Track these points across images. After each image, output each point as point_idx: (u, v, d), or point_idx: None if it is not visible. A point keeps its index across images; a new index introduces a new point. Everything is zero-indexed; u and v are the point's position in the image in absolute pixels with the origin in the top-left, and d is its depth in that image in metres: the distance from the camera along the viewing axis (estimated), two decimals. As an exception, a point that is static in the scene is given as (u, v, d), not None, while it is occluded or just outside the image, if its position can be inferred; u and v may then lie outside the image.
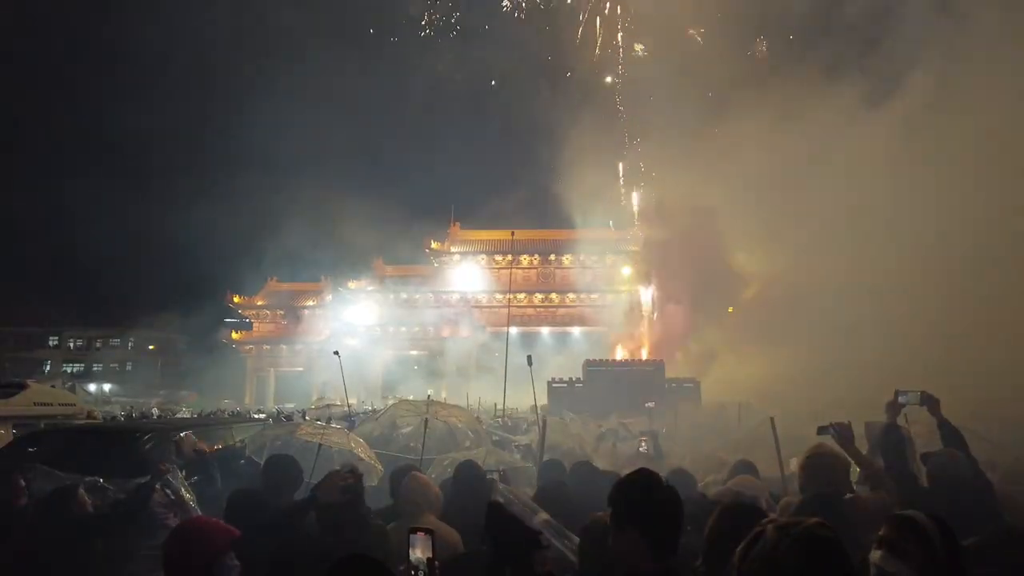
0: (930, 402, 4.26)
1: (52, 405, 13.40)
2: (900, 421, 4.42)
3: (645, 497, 2.14)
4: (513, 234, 39.52)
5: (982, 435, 5.54)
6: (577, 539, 2.91)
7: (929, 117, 19.31)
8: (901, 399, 4.32)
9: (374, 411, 13.80)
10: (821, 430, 3.87)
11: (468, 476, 4.16)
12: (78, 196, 78.36)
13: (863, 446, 4.02)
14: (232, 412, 25.11)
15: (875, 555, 2.01)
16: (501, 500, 3.56)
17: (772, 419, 5.97)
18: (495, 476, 4.78)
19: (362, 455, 4.77)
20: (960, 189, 17.74)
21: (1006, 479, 4.76)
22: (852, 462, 3.63)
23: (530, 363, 11.87)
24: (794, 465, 4.26)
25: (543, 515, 3.14)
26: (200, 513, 3.95)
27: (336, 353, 17.49)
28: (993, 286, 16.23)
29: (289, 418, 14.86)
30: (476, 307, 47.51)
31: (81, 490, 4.00)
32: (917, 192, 19.48)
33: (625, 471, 5.91)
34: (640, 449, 7.03)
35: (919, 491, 3.69)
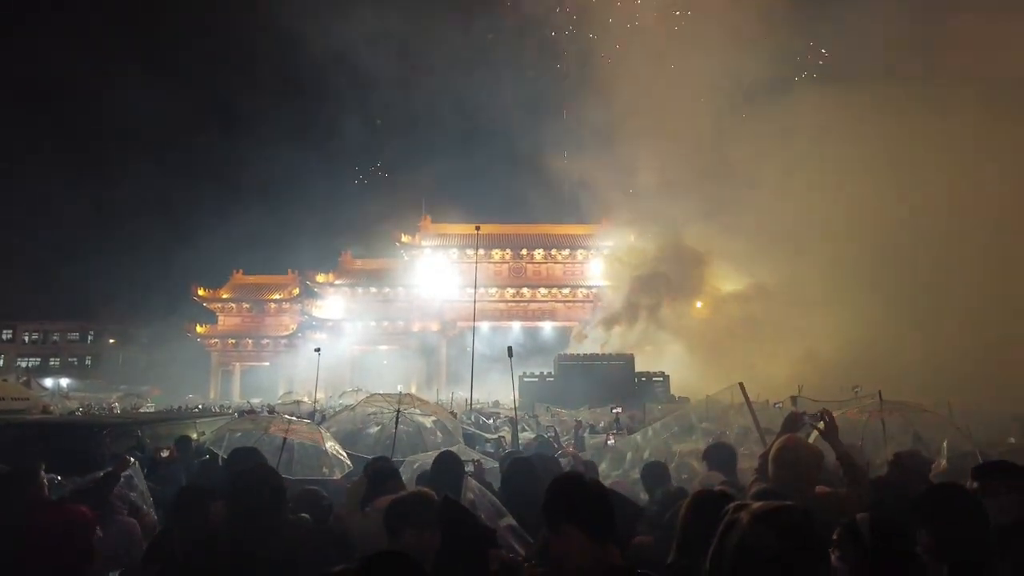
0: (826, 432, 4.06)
1: (3, 399, 13.13)
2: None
3: (578, 491, 2.17)
4: (478, 228, 39.14)
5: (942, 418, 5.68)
6: None
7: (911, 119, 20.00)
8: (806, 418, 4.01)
9: (346, 408, 13.55)
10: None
11: (446, 467, 4.06)
12: (34, 185, 75.86)
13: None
14: (212, 407, 24.47)
15: (832, 557, 2.22)
16: (472, 496, 3.49)
17: (741, 384, 5.85)
18: (471, 467, 4.73)
19: (328, 449, 4.65)
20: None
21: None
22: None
23: (511, 354, 11.77)
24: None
25: (508, 519, 3.08)
26: (153, 511, 3.81)
27: (317, 350, 17.20)
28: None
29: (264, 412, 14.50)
30: (447, 301, 47.17)
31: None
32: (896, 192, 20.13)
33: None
34: (608, 443, 7.13)
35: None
